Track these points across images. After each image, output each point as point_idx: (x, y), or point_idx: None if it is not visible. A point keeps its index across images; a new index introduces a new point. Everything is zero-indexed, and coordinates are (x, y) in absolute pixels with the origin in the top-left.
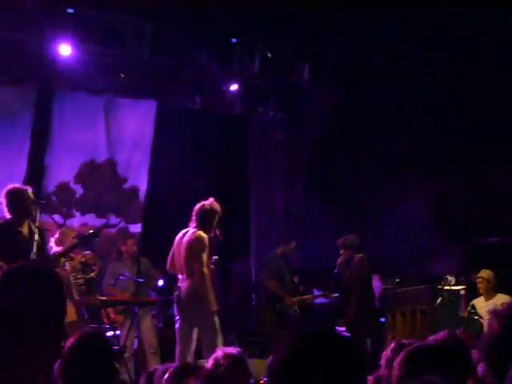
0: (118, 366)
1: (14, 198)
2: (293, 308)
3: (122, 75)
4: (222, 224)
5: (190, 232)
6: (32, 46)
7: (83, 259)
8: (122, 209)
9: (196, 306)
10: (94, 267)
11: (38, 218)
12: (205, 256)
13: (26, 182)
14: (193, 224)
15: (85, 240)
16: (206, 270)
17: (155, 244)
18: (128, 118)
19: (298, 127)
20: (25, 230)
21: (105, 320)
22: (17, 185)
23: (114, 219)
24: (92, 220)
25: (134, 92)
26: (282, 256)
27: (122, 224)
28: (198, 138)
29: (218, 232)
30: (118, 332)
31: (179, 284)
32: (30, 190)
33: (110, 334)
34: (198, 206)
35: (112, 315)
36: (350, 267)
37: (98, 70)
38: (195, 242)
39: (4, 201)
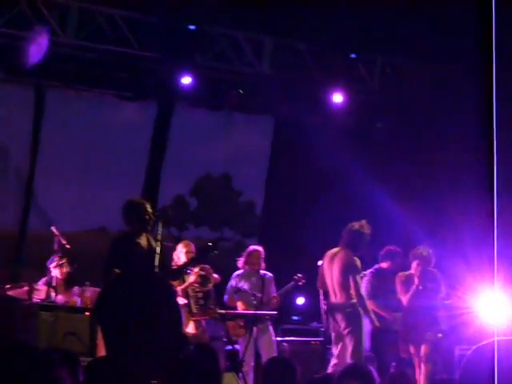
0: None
1: (131, 210)
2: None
3: (241, 91)
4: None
5: (340, 253)
6: (154, 62)
7: (201, 272)
8: (236, 222)
9: (350, 324)
10: (211, 280)
11: (159, 231)
12: (358, 277)
13: (144, 194)
14: (341, 243)
15: (203, 253)
16: (362, 291)
17: (271, 259)
18: (245, 133)
19: None
20: (143, 241)
21: (229, 333)
22: (135, 197)
23: (228, 232)
24: (206, 233)
25: (252, 108)
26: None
27: (238, 237)
28: (316, 152)
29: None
30: (237, 346)
31: (331, 301)
32: (147, 204)
33: (228, 347)
34: (348, 226)
35: (231, 329)
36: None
37: (216, 86)
38: (349, 265)
39: (122, 213)
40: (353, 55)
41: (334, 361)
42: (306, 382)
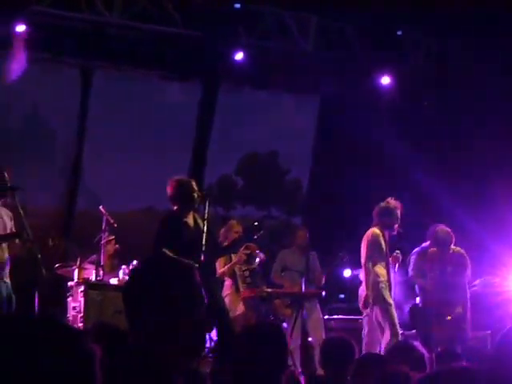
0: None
1: (178, 189)
2: None
3: (286, 71)
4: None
5: (367, 232)
6: (198, 41)
7: (248, 251)
8: (283, 200)
9: (374, 302)
10: (257, 258)
11: (206, 210)
12: (377, 253)
13: (190, 173)
14: (372, 223)
15: (249, 234)
16: (379, 266)
17: (315, 237)
18: (291, 112)
19: None
20: (190, 220)
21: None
22: (182, 177)
23: (275, 211)
24: (252, 211)
25: (298, 86)
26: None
27: (284, 216)
28: (362, 131)
29: (397, 228)
30: (284, 324)
31: (361, 279)
32: (194, 182)
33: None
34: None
35: (279, 308)
36: None
37: (262, 65)
38: (368, 239)
39: (169, 192)
40: (399, 32)
41: (364, 339)
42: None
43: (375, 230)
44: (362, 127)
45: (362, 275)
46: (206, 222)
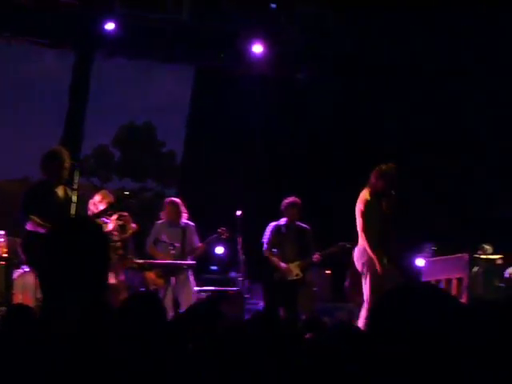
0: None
1: (48, 159)
2: (291, 274)
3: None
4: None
5: None
6: (72, 8)
7: (119, 222)
8: (159, 173)
9: None
10: (129, 227)
11: (76, 180)
12: None
13: (65, 144)
14: None
15: (120, 202)
16: None
17: (188, 208)
18: (166, 82)
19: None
20: (60, 191)
21: (147, 283)
22: (54, 147)
23: (151, 183)
24: (129, 184)
25: (173, 57)
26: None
27: (159, 188)
28: (236, 101)
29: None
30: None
31: None
32: (65, 154)
33: None
34: None
35: (151, 280)
36: None
37: (136, 35)
38: None
39: (41, 162)
40: (273, 5)
41: None
42: None
43: None
44: (238, 98)
45: None
46: (75, 193)
